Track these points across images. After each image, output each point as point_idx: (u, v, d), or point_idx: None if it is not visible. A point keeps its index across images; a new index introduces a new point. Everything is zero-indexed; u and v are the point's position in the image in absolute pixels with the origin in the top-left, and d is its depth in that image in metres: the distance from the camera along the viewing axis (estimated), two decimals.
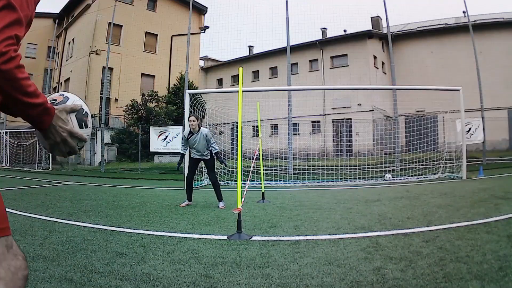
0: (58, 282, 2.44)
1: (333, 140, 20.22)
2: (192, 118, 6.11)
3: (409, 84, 18.45)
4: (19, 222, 3.93)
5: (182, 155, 6.46)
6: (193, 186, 6.75)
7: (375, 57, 25.69)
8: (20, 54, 0.97)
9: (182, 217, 5.12)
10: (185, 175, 7.05)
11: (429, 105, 16.14)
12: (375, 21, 26.27)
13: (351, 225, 4.33)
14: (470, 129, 13.54)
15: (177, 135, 14.69)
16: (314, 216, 4.98)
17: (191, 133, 6.18)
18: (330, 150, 19.14)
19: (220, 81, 32.96)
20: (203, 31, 29.60)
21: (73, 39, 27.64)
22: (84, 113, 1.17)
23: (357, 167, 12.09)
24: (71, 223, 4.57)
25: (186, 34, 15.91)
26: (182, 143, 6.47)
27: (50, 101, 1.11)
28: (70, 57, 27.74)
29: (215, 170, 6.71)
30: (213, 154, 6.25)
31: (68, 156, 1.13)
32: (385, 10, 15.41)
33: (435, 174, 11.57)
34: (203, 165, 7.04)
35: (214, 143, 6.23)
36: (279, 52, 24.32)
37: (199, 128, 6.21)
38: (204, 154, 6.30)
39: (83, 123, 1.15)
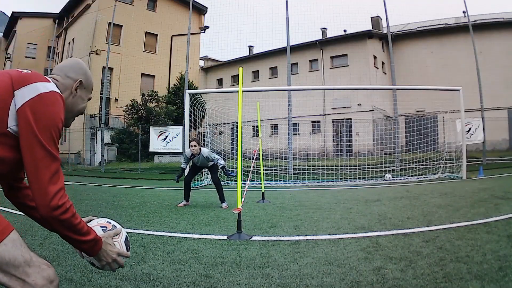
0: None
1: (333, 140, 20.23)
2: (194, 143, 6.34)
3: (409, 84, 18.45)
4: (19, 222, 3.93)
5: (183, 170, 6.67)
6: (191, 186, 6.83)
7: (375, 57, 25.68)
8: (71, 202, 1.17)
9: (182, 217, 5.13)
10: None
11: (429, 105, 16.15)
12: (375, 21, 26.27)
13: (351, 225, 4.33)
14: (470, 129, 13.54)
15: (177, 135, 14.69)
16: (314, 216, 4.98)
17: (193, 155, 6.40)
18: (330, 150, 19.16)
19: (220, 81, 32.95)
20: (203, 31, 29.58)
21: (73, 39, 27.62)
22: (128, 239, 1.48)
23: (357, 167, 12.09)
24: None
25: (186, 34, 15.91)
26: (184, 160, 6.70)
27: (101, 227, 1.40)
28: (70, 57, 27.52)
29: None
30: (220, 168, 6.42)
31: (115, 270, 1.40)
32: (385, 10, 15.43)
33: (435, 174, 11.57)
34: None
35: (218, 158, 6.42)
36: (279, 52, 24.31)
37: (200, 150, 6.41)
38: (206, 164, 6.55)
39: (128, 247, 1.46)
